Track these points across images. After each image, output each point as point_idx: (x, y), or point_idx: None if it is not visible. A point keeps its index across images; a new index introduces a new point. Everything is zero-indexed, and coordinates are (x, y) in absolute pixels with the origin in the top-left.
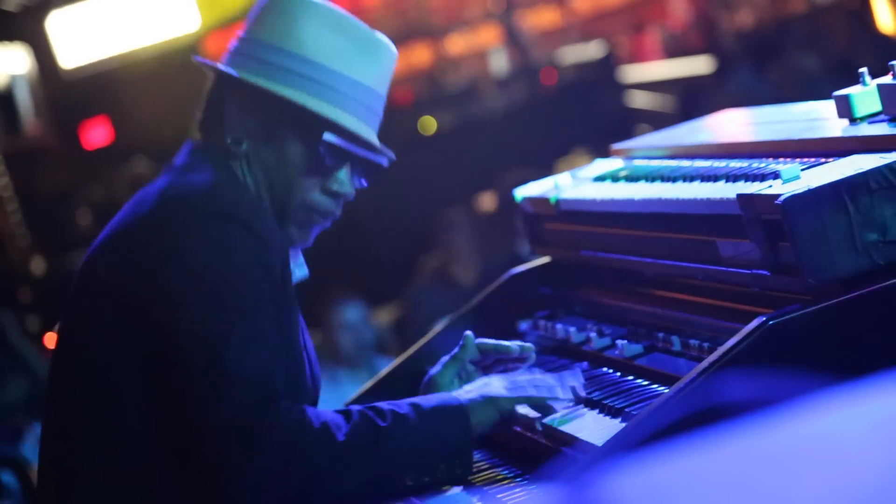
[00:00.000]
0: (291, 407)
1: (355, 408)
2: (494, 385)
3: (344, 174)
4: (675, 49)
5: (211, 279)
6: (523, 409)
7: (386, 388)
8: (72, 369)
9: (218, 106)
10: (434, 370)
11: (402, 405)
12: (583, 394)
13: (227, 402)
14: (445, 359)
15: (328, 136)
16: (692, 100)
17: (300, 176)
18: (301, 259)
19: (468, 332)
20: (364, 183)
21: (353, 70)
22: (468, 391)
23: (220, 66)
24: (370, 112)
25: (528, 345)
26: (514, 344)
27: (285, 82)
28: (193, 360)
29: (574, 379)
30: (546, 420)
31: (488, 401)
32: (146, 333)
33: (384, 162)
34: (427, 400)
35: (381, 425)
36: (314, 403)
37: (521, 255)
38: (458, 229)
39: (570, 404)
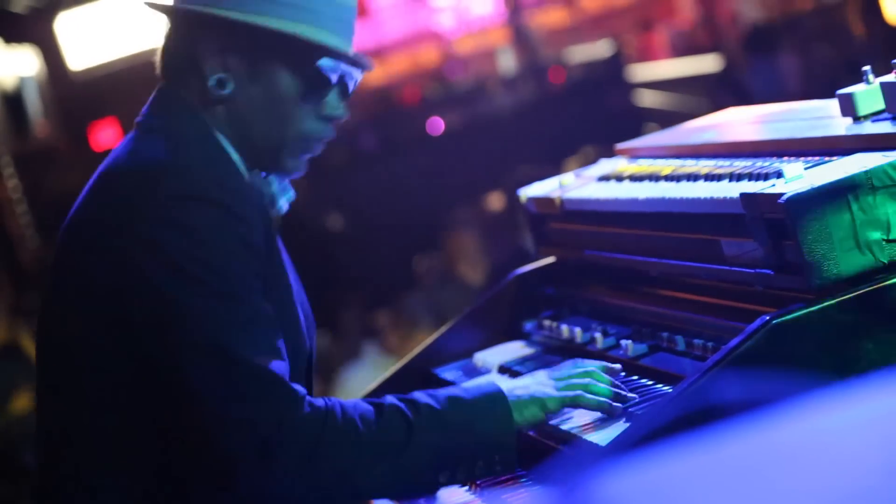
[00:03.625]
0: (305, 399)
1: (389, 399)
2: (543, 382)
3: (334, 96)
4: (683, 47)
5: (197, 269)
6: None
7: (392, 388)
8: (56, 375)
9: (191, 48)
10: None
11: (441, 397)
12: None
13: (240, 397)
14: None
15: (321, 61)
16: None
17: (295, 106)
18: (287, 183)
19: None
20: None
21: None
22: (516, 386)
23: (191, 6)
24: (346, 26)
25: None
26: None
27: (263, 11)
28: (197, 357)
29: (622, 387)
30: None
31: (535, 400)
32: (134, 334)
33: (370, 68)
34: (468, 391)
35: (412, 419)
36: (311, 364)
37: (527, 250)
38: (466, 229)
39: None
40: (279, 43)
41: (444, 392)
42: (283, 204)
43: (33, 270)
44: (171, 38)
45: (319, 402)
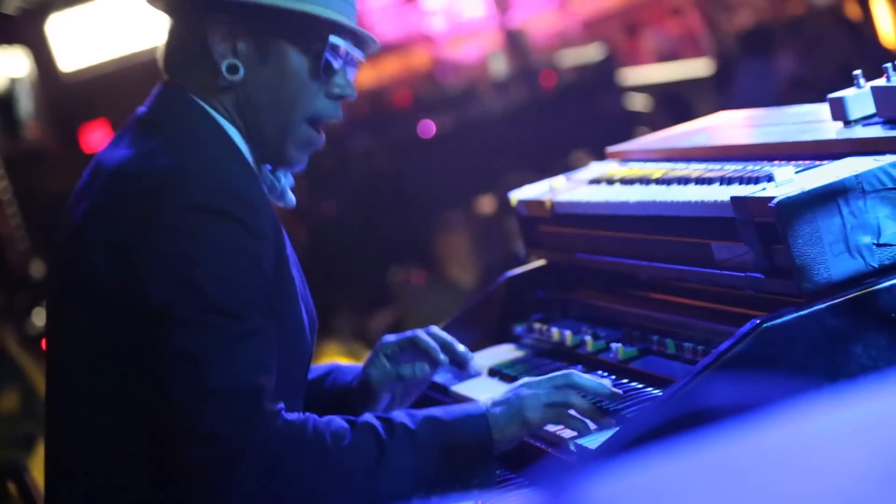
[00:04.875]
0: (280, 415)
1: (364, 417)
2: (527, 391)
3: (342, 76)
4: (673, 52)
5: (198, 279)
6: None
7: None
8: (61, 373)
9: (199, 36)
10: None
11: (418, 416)
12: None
13: (208, 410)
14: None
15: (331, 38)
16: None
17: (304, 85)
18: (290, 177)
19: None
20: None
21: None
22: (498, 398)
23: None
24: (350, 5)
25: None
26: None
27: None
28: (174, 364)
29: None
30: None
31: (518, 410)
32: (129, 337)
33: (377, 49)
34: (448, 411)
35: (385, 437)
36: (307, 366)
37: (518, 255)
38: (457, 232)
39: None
40: (288, 21)
41: (423, 412)
42: (292, 198)
43: (23, 272)
44: (176, 31)
45: (294, 416)
